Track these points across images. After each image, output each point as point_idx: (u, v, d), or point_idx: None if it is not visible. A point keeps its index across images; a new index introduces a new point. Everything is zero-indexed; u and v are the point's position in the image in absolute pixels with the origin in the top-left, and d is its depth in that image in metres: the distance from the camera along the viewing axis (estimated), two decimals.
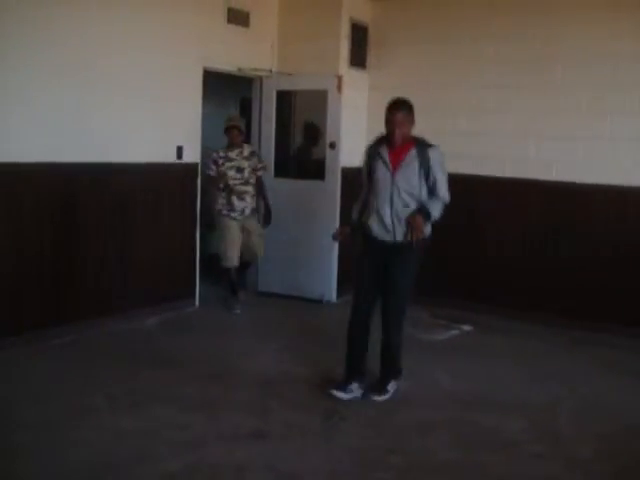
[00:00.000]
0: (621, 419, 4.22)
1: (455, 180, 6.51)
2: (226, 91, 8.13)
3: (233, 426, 3.91)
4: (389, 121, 4.21)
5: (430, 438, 3.88)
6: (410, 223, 4.16)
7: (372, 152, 4.34)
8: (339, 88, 6.50)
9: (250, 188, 6.28)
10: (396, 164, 4.21)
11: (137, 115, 5.70)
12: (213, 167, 6.20)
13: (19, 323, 4.98)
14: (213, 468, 3.44)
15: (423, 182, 4.21)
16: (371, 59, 7.01)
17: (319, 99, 6.62)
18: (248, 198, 6.26)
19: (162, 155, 5.95)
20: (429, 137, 6.51)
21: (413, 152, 4.21)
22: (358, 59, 6.87)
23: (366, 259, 4.38)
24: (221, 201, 6.23)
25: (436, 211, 4.27)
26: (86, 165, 5.30)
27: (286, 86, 6.87)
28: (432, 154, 4.22)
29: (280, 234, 6.56)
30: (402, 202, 4.19)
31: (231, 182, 6.18)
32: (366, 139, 7.04)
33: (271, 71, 6.89)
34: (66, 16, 5.05)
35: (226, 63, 6.43)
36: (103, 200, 5.49)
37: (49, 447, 3.56)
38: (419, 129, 6.61)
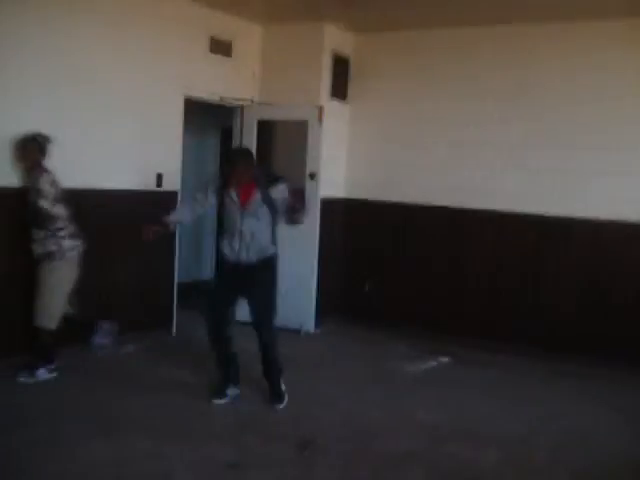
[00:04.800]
0: (597, 452, 4.21)
1: (434, 212, 6.68)
2: (208, 120, 8.17)
3: (208, 457, 3.86)
4: (230, 174, 4.57)
5: (405, 470, 3.85)
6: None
7: (221, 190, 4.65)
8: (320, 119, 6.55)
9: None
10: (244, 203, 4.57)
11: (117, 142, 5.69)
12: None
13: None
14: None
15: (269, 214, 4.61)
16: (352, 91, 7.09)
17: (300, 129, 6.67)
18: None
19: (142, 182, 5.94)
20: (408, 169, 6.71)
21: (258, 194, 4.56)
22: (339, 90, 6.94)
23: (222, 278, 4.81)
24: None
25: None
26: (65, 191, 5.26)
27: (267, 116, 6.90)
28: (274, 192, 4.58)
29: None
30: (250, 233, 4.58)
31: None
32: (346, 170, 7.13)
33: (252, 101, 6.93)
34: (44, 43, 5.07)
35: (208, 92, 6.46)
36: (82, 226, 5.44)
37: (21, 478, 3.48)
38: (399, 161, 6.77)
